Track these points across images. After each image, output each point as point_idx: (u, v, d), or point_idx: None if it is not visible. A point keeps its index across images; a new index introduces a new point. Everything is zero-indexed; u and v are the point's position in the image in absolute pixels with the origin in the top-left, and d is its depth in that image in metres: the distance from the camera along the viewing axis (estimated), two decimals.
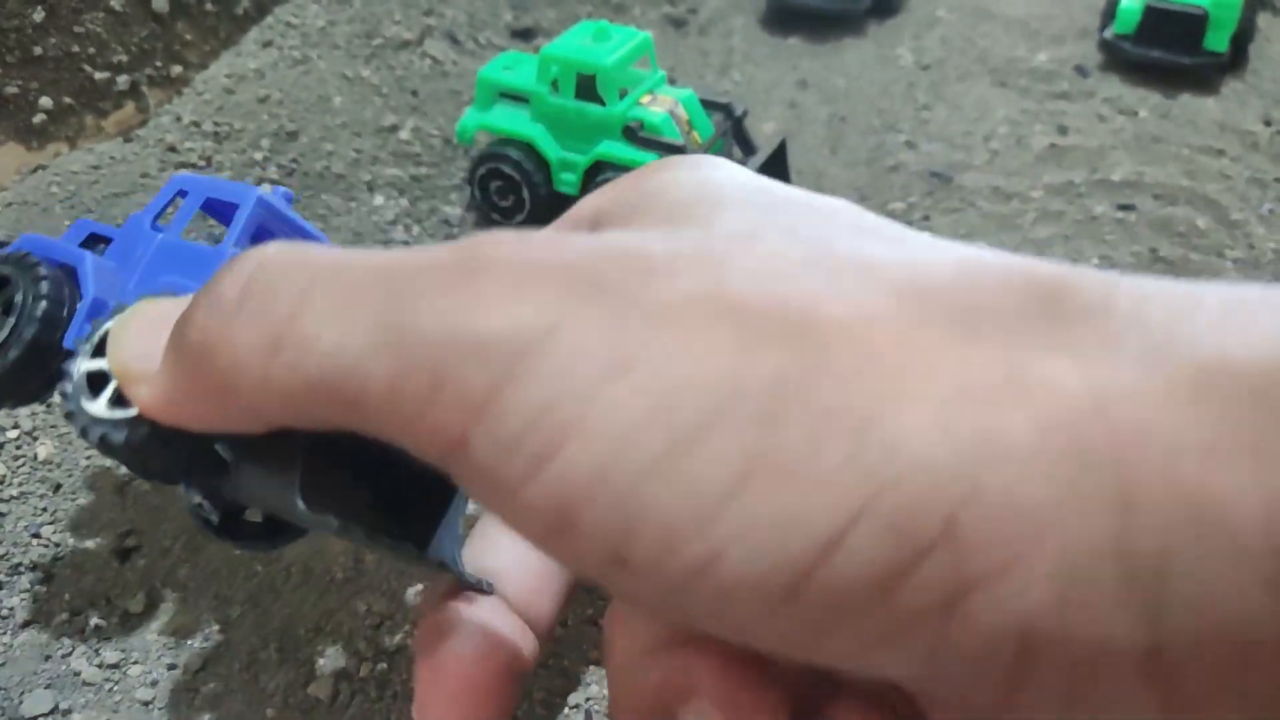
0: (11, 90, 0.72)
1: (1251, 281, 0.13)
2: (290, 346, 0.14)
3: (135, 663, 0.44)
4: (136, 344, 0.17)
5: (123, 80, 0.79)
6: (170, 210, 0.42)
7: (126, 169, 0.74)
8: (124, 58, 0.80)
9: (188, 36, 0.85)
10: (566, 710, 0.43)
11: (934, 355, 0.12)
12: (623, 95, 0.76)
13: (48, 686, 0.43)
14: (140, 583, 0.47)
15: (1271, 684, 0.11)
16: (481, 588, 0.21)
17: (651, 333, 0.12)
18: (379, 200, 0.79)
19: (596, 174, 0.75)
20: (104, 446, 0.19)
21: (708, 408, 0.12)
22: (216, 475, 0.20)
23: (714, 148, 0.76)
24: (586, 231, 0.16)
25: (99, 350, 0.20)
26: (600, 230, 0.16)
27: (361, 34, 0.95)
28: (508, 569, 0.21)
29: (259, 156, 0.79)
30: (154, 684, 0.44)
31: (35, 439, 0.53)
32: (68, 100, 0.76)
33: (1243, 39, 1.10)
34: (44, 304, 0.38)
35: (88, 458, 0.52)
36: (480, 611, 0.20)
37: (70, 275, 0.40)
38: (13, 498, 0.50)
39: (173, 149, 0.77)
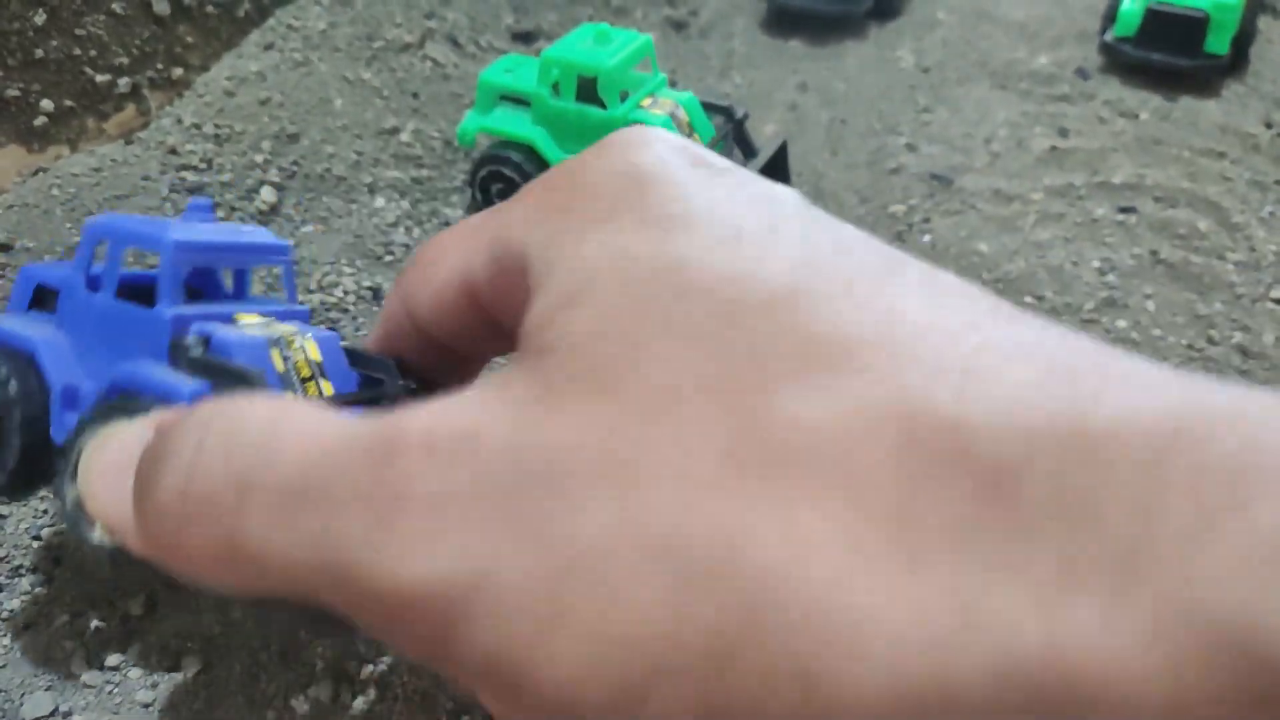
0: (13, 93, 0.72)
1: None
2: (243, 561, 0.14)
3: (135, 665, 0.44)
4: (108, 492, 0.18)
5: (124, 83, 0.79)
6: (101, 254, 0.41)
7: (128, 171, 0.74)
8: (125, 60, 0.80)
9: (189, 39, 0.85)
10: None
11: (878, 593, 0.11)
12: (624, 98, 0.76)
13: (48, 689, 0.43)
14: (140, 585, 0.47)
15: None
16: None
17: (578, 578, 0.12)
18: (380, 202, 0.79)
19: None
20: (112, 563, 0.21)
21: (647, 665, 0.12)
22: None
23: (715, 150, 0.76)
24: (512, 264, 0.16)
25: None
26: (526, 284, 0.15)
27: (362, 36, 0.95)
28: None
29: (260, 159, 0.79)
30: (154, 686, 0.44)
31: None
32: (69, 103, 0.76)
33: (1243, 41, 1.10)
34: (17, 411, 0.40)
35: None
36: None
37: (30, 361, 0.40)
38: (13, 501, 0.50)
39: (174, 151, 0.77)
